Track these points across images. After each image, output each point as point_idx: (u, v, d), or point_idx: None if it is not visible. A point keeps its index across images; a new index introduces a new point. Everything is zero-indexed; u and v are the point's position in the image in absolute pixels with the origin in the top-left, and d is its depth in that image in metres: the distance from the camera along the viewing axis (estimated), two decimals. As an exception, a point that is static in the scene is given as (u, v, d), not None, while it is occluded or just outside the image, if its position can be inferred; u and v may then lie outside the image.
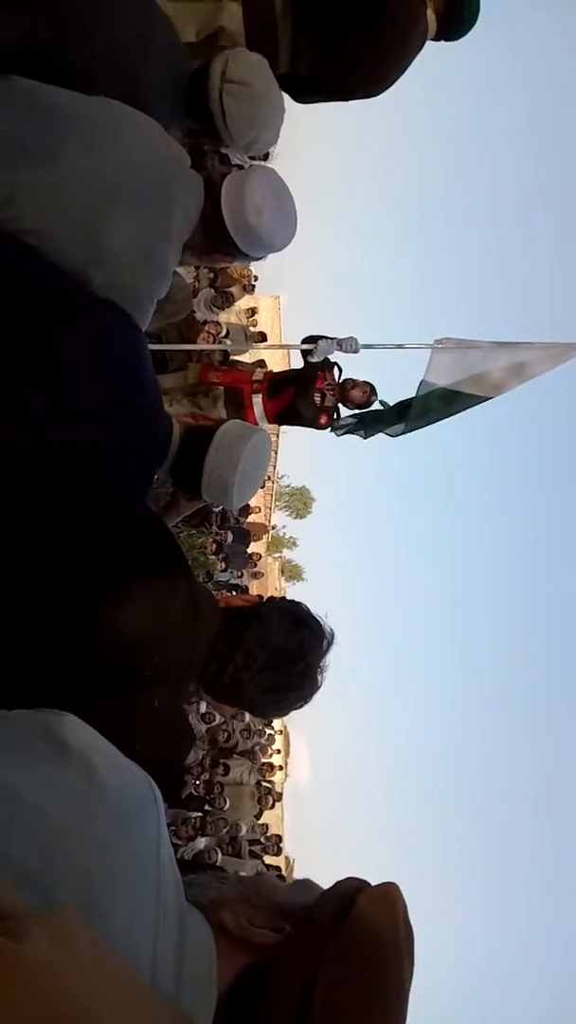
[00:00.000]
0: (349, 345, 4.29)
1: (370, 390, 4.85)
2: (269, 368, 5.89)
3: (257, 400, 5.09)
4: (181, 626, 1.15)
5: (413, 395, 4.37)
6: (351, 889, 0.70)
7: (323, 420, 4.95)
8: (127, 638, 1.07)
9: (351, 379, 4.91)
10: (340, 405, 4.95)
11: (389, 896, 0.68)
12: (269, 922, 0.69)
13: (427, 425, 4.40)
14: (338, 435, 4.89)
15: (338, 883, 0.72)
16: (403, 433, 4.54)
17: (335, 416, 4.98)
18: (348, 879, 0.72)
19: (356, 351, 4.31)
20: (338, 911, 0.67)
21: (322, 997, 0.61)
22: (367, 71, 2.03)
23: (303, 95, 2.09)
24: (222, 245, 1.58)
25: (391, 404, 4.64)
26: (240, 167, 1.99)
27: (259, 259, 1.72)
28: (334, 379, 4.99)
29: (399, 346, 4.36)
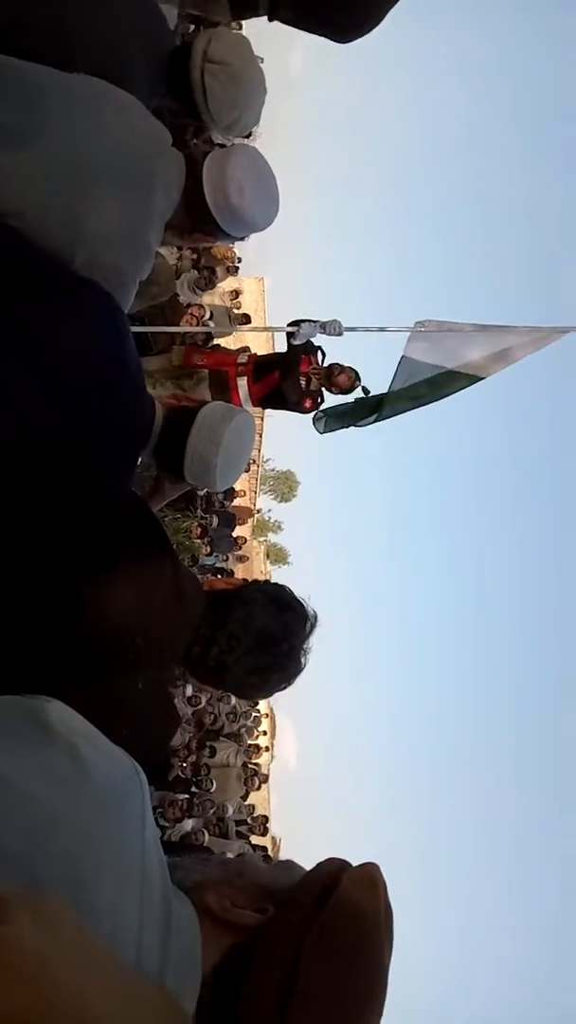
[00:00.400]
0: (333, 328, 4.27)
1: (355, 375, 4.84)
2: (253, 352, 5.85)
3: (242, 383, 5.07)
4: (165, 609, 1.14)
5: (391, 381, 4.37)
6: (333, 870, 0.71)
7: (308, 404, 4.94)
8: (112, 622, 1.07)
9: (337, 364, 4.89)
10: (324, 390, 4.93)
11: (370, 877, 0.69)
12: (252, 903, 0.70)
13: (411, 410, 4.40)
14: (321, 432, 4.87)
15: (320, 864, 0.73)
16: (376, 421, 4.54)
17: (319, 400, 4.96)
18: (330, 860, 0.73)
19: (340, 334, 4.29)
20: (320, 892, 0.68)
21: (305, 977, 0.62)
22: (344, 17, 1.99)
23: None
24: (204, 224, 1.56)
25: (373, 393, 4.63)
26: (223, 146, 1.96)
27: (241, 239, 1.70)
28: (319, 363, 4.97)
29: (382, 329, 4.36)
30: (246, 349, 8.32)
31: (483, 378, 4.20)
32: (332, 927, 0.65)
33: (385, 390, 4.43)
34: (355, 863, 0.72)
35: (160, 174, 1.48)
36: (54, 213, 1.33)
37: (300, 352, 4.81)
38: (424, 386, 4.24)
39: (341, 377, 4.84)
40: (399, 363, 4.25)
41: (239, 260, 9.89)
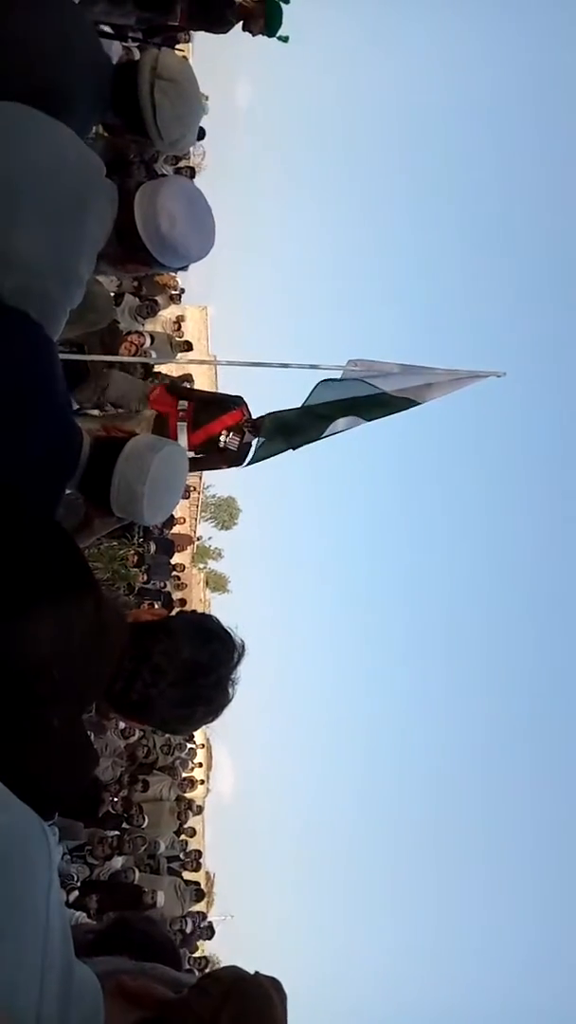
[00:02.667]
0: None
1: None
2: (194, 382, 5.84)
3: (182, 428, 5.03)
4: (84, 644, 1.12)
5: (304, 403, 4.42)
6: (241, 970, 0.75)
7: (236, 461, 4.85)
8: (26, 658, 1.03)
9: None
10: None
11: (276, 981, 0.74)
12: (167, 988, 0.71)
13: (335, 431, 4.47)
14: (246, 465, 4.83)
15: (225, 967, 0.76)
16: (306, 443, 4.57)
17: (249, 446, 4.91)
18: (232, 967, 0.76)
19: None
20: (235, 978, 0.71)
21: None
22: None
23: None
24: (136, 253, 1.57)
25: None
26: (161, 177, 1.99)
27: (178, 269, 1.71)
28: (249, 414, 4.93)
29: (314, 366, 4.47)
30: (188, 378, 8.31)
31: (417, 403, 4.36)
32: (245, 1005, 0.68)
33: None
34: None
35: (92, 203, 1.48)
36: None
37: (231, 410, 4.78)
38: (347, 404, 4.33)
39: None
40: (319, 385, 4.33)
41: (182, 290, 9.93)
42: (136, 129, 1.77)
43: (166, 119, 1.73)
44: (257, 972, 0.74)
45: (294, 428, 4.54)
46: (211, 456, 4.91)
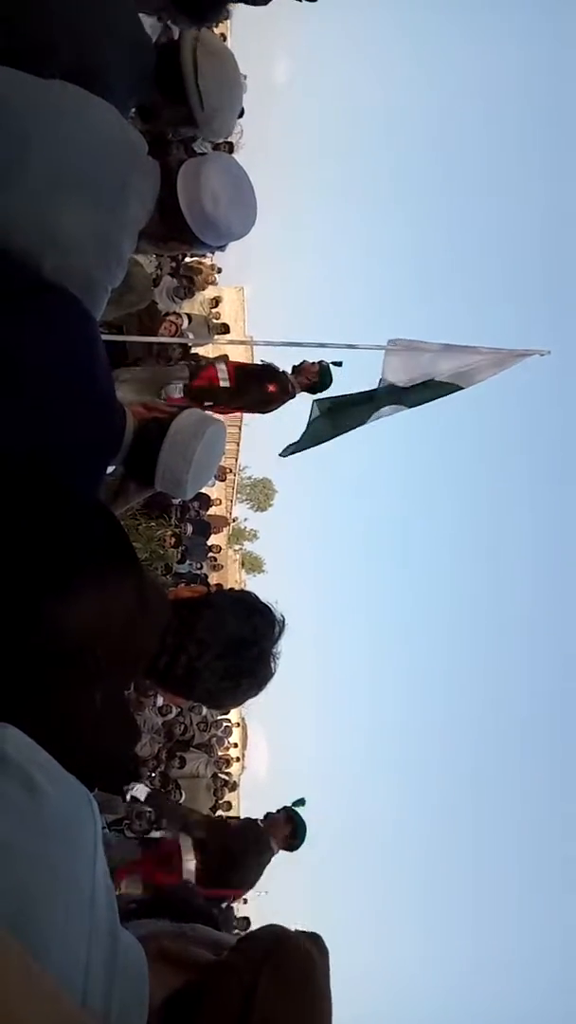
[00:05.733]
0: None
1: (318, 368, 4.70)
2: (231, 361, 5.83)
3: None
4: (128, 620, 1.13)
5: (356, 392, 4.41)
6: (280, 928, 0.74)
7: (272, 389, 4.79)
8: (71, 633, 1.05)
9: (296, 368, 4.75)
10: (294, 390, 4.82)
11: (316, 937, 0.73)
12: (207, 950, 0.72)
13: (386, 416, 4.45)
14: (284, 455, 4.81)
15: (265, 926, 0.76)
16: (341, 433, 4.55)
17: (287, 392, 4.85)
18: (273, 924, 0.75)
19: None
20: (273, 939, 0.71)
21: (262, 1007, 0.63)
22: None
23: None
24: (178, 232, 1.56)
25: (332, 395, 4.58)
26: (203, 155, 1.97)
27: (218, 248, 1.70)
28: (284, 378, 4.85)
29: (351, 346, 4.44)
30: (225, 358, 8.31)
31: (462, 387, 4.30)
32: (287, 964, 0.67)
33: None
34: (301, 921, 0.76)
35: (134, 182, 1.47)
36: (23, 218, 1.33)
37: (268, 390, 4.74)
38: (395, 390, 4.31)
39: (302, 378, 4.72)
40: (379, 384, 4.32)
41: (219, 269, 9.91)
42: (178, 98, 1.75)
43: (208, 84, 1.70)
44: (297, 929, 0.74)
45: (345, 413, 4.52)
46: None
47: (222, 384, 4.93)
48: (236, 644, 1.23)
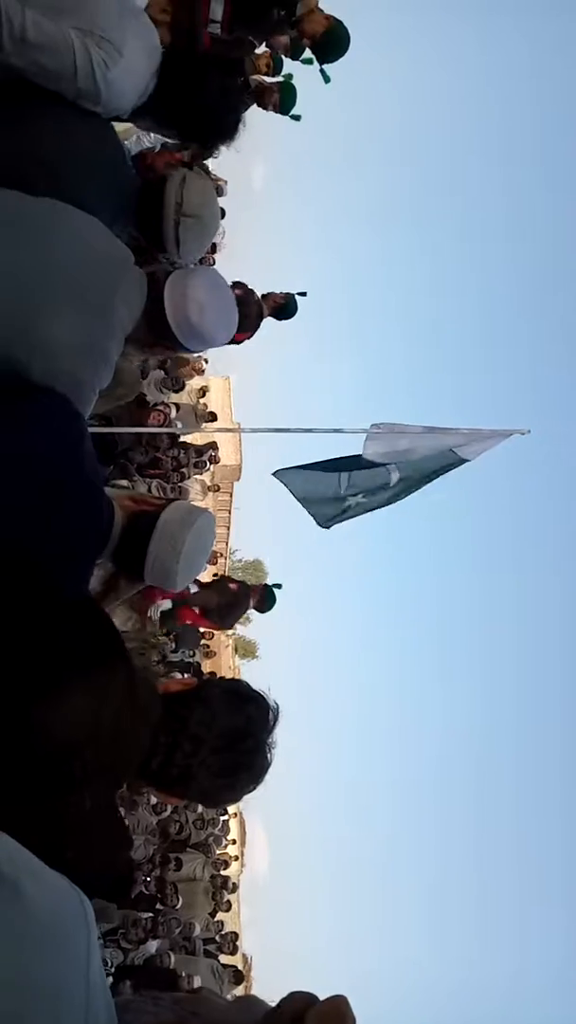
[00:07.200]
0: None
1: (283, 296, 4.82)
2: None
3: None
4: (117, 721, 1.11)
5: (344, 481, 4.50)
6: (299, 1007, 0.68)
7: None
8: (59, 739, 1.03)
9: (264, 295, 4.74)
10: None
11: (338, 1013, 0.66)
12: None
13: (370, 511, 4.53)
14: (327, 527, 4.87)
15: (284, 1000, 0.70)
16: (339, 521, 4.63)
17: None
18: (294, 995, 0.69)
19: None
20: (305, 1003, 0.66)
21: None
22: None
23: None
24: (164, 339, 1.64)
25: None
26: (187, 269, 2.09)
27: (199, 352, 1.79)
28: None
29: (337, 430, 4.55)
30: (213, 445, 8.44)
31: (438, 473, 4.39)
32: (324, 1018, 0.63)
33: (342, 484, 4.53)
34: (326, 992, 0.69)
35: (121, 291, 1.55)
36: (9, 325, 1.38)
37: None
38: (383, 487, 4.39)
39: (272, 297, 4.77)
40: (356, 463, 4.40)
41: (206, 360, 10.21)
42: (157, 248, 1.90)
43: (188, 251, 1.86)
44: (318, 1007, 0.67)
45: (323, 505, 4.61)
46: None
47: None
48: (231, 737, 1.20)
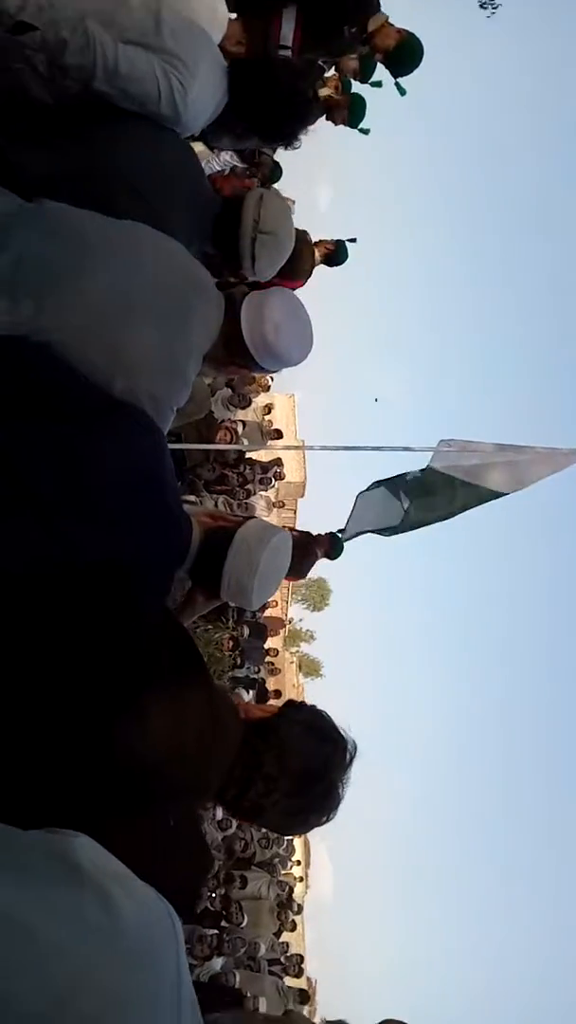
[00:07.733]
0: None
1: (334, 243, 4.83)
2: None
3: None
4: (200, 738, 1.11)
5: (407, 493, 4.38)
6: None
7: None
8: (145, 756, 1.03)
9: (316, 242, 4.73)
10: None
11: None
12: None
13: (432, 523, 4.41)
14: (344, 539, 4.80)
15: None
16: (399, 532, 4.52)
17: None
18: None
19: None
20: None
21: None
22: None
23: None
24: (240, 358, 1.66)
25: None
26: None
27: (274, 372, 1.80)
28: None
29: (407, 448, 4.47)
30: (279, 461, 8.49)
31: (505, 494, 4.25)
32: None
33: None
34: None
35: (200, 311, 1.58)
36: (96, 343, 1.42)
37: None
38: (445, 498, 4.28)
39: (323, 243, 4.79)
40: (421, 473, 4.31)
41: (271, 378, 10.31)
42: (233, 264, 1.96)
43: (263, 267, 1.93)
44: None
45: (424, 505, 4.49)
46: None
47: None
48: (304, 781, 1.20)
